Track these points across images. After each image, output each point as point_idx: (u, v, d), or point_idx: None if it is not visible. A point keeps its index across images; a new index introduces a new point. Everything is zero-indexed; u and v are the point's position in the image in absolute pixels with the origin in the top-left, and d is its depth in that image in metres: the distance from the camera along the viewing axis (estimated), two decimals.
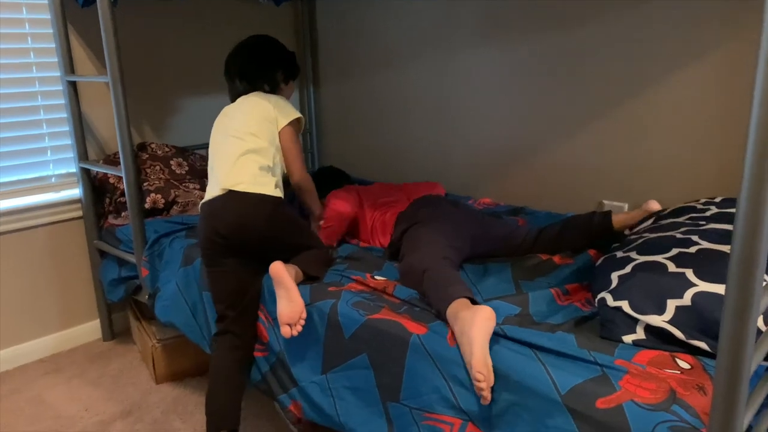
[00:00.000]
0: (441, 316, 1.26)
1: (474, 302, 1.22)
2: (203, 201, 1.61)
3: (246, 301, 1.54)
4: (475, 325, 1.11)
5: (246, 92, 1.76)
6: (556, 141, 2.11)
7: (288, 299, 1.39)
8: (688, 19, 1.74)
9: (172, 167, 2.24)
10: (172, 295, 1.79)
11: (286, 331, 1.38)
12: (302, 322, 1.38)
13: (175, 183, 2.19)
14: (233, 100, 1.79)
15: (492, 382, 1.08)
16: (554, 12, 2.01)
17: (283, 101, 1.76)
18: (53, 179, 2.20)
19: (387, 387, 1.26)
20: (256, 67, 1.78)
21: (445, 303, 1.23)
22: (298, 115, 1.75)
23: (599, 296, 1.21)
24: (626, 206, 1.97)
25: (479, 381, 1.06)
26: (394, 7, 2.48)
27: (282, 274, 1.40)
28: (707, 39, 1.71)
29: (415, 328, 1.24)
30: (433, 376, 1.17)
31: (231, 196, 1.55)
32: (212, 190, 1.59)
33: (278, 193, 1.61)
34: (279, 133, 1.70)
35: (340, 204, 1.86)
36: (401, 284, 1.45)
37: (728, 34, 1.67)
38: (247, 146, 1.61)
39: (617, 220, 1.67)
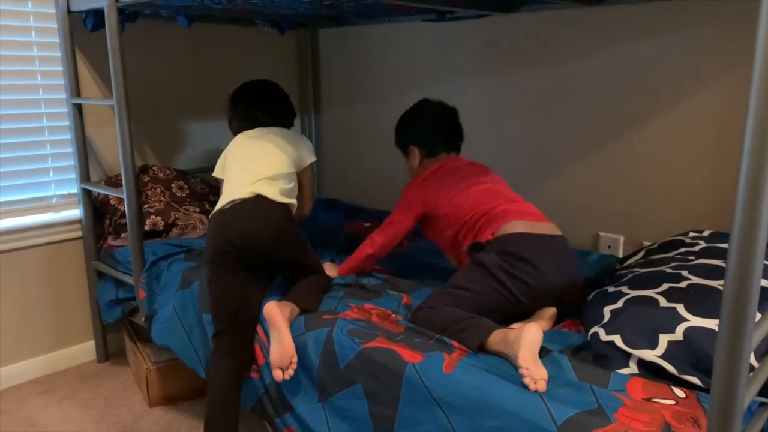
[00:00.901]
0: (478, 347, 1.25)
1: None
2: (217, 209, 1.62)
3: (247, 314, 1.55)
4: (524, 334, 1.15)
5: (269, 124, 1.84)
6: (552, 174, 2.14)
7: (279, 342, 1.39)
8: (683, 54, 1.78)
9: (173, 190, 2.26)
10: (169, 319, 1.79)
11: (277, 374, 1.38)
12: (293, 365, 1.39)
13: (175, 206, 2.21)
14: (246, 126, 1.84)
15: (545, 376, 1.09)
16: (551, 47, 2.06)
17: (307, 141, 1.88)
18: (54, 199, 2.22)
19: (381, 417, 1.25)
20: (280, 105, 1.91)
21: (485, 335, 1.23)
22: (315, 158, 1.87)
23: (592, 330, 1.22)
24: (622, 238, 2.00)
25: (522, 370, 1.10)
26: (395, 37, 2.53)
27: (275, 315, 1.41)
28: (703, 74, 1.75)
29: (410, 357, 1.24)
30: (429, 404, 1.17)
31: (257, 199, 1.59)
32: (232, 196, 1.60)
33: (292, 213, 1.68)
34: (302, 169, 1.80)
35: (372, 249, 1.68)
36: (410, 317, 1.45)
37: (724, 69, 1.71)
38: (275, 170, 1.67)
39: None
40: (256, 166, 1.66)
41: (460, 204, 1.59)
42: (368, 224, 2.38)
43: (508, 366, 1.17)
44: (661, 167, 1.88)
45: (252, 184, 1.62)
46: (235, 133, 1.86)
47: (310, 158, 1.82)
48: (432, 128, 1.75)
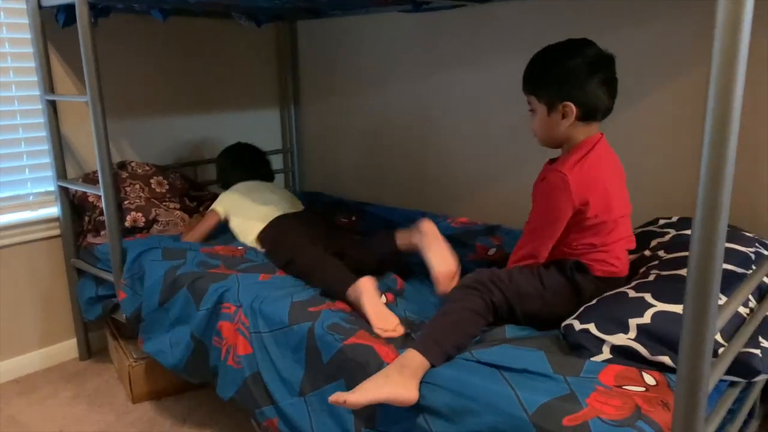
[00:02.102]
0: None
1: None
2: (270, 221, 1.96)
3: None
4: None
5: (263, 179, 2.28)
6: (531, 159, 2.15)
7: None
8: (658, 44, 1.80)
9: (152, 186, 2.25)
10: (161, 336, 1.78)
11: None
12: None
13: (156, 202, 2.20)
14: (246, 178, 2.21)
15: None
16: (531, 35, 2.07)
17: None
18: (31, 197, 2.20)
19: (362, 414, 1.25)
20: (269, 166, 2.38)
21: (418, 345, 1.21)
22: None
23: (565, 323, 1.25)
24: None
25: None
26: (374, 28, 2.53)
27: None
28: (677, 63, 1.77)
29: (385, 354, 1.25)
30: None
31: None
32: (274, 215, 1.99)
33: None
34: None
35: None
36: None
37: (698, 58, 1.73)
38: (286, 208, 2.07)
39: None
40: (277, 200, 2.09)
41: (610, 226, 1.31)
42: (354, 218, 2.38)
43: (481, 355, 1.18)
44: (639, 154, 1.90)
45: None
46: (231, 183, 2.20)
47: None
48: (599, 80, 1.29)
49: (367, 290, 1.47)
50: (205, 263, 1.82)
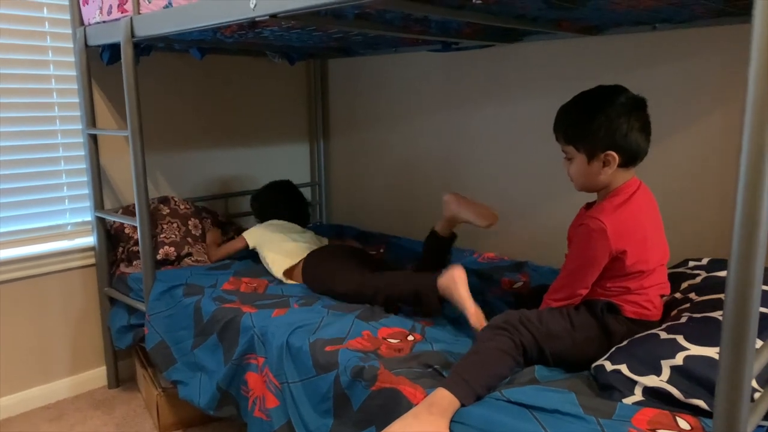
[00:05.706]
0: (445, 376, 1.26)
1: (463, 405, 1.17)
2: (308, 255, 2.05)
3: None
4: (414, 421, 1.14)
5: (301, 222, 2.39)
6: (558, 196, 2.16)
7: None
8: (684, 82, 1.81)
9: (189, 227, 2.29)
10: (194, 380, 1.78)
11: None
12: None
13: (190, 241, 2.24)
14: (284, 216, 2.32)
15: None
16: (552, 75, 2.10)
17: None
18: (69, 227, 2.27)
19: None
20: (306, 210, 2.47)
21: (447, 383, 1.20)
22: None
23: (596, 364, 1.24)
24: None
25: None
26: (401, 65, 2.59)
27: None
28: (704, 100, 1.78)
29: (412, 395, 1.24)
30: None
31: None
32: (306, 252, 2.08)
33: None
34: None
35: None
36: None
37: (725, 95, 1.73)
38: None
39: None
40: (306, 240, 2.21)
41: (646, 274, 1.32)
42: (381, 250, 2.40)
43: (511, 395, 1.17)
44: (664, 193, 1.90)
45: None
46: (266, 218, 2.31)
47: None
48: (638, 126, 1.30)
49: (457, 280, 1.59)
50: (221, 298, 1.84)
